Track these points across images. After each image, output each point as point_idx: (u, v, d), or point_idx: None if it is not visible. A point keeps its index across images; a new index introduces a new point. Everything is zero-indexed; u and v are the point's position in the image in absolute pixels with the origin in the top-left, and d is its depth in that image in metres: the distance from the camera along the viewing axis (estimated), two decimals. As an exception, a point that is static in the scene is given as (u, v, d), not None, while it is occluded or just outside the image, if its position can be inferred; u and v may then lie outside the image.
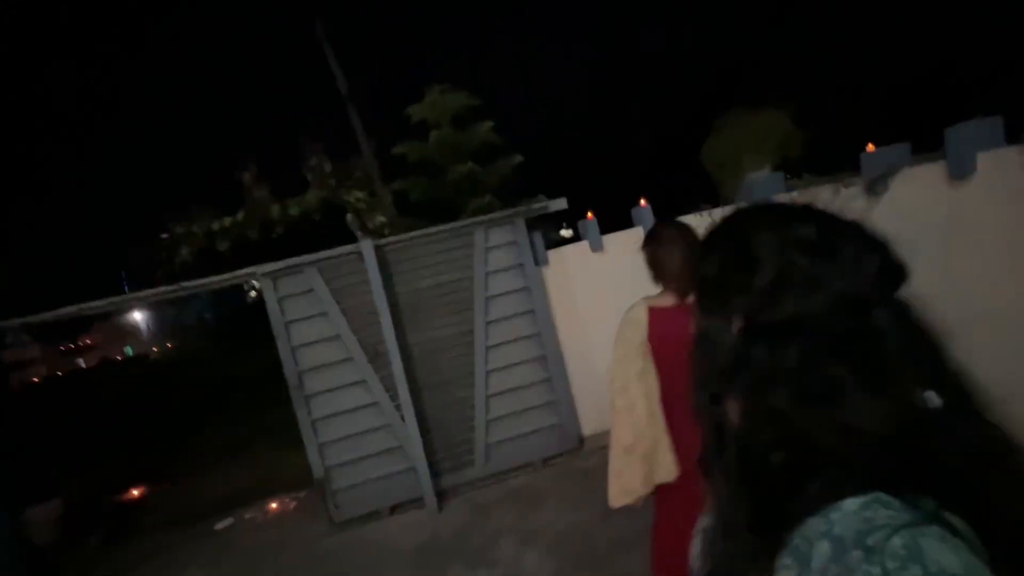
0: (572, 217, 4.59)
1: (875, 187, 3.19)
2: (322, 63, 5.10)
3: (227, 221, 4.08)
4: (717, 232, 0.60)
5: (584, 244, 4.27)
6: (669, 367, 1.70)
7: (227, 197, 4.43)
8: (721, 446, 0.55)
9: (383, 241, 3.71)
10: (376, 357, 3.69)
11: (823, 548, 0.41)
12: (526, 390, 3.94)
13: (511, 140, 4.49)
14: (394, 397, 3.66)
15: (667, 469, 1.73)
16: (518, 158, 4.23)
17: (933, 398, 0.45)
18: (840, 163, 3.82)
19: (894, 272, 0.50)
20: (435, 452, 3.79)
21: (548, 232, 4.11)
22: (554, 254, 4.18)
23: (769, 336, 0.50)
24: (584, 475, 3.67)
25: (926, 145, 3.00)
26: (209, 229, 4.07)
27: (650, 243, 1.77)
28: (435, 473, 3.75)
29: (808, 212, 0.55)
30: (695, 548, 0.67)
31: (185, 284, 3.40)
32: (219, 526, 4.24)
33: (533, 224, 4.01)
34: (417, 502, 3.69)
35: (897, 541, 0.37)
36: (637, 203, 4.41)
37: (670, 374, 1.71)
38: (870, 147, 3.23)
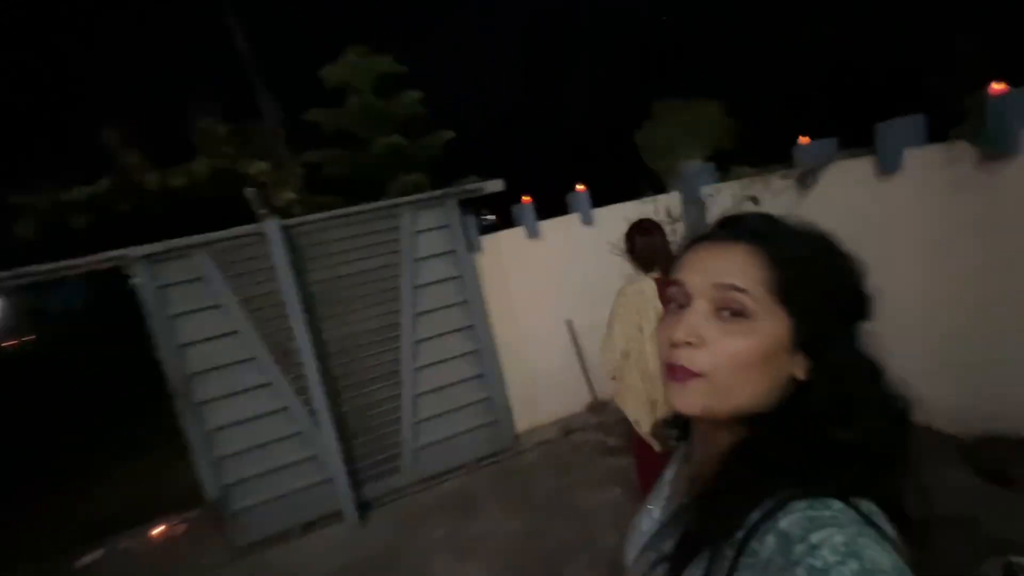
0: (504, 202, 4.31)
1: (806, 180, 3.26)
2: (216, 9, 4.33)
3: (83, 191, 3.27)
4: (827, 256, 0.55)
5: (519, 230, 4.02)
6: None
7: (88, 163, 3.60)
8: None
9: (292, 221, 3.19)
10: (285, 356, 3.19)
11: (769, 541, 0.44)
12: (458, 387, 3.65)
13: (440, 115, 4.10)
14: (307, 401, 3.20)
15: None
16: (449, 134, 3.86)
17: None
18: (771, 156, 3.89)
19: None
20: (356, 460, 3.38)
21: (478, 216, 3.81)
22: (488, 240, 3.88)
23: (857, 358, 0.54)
24: (521, 476, 3.46)
25: (855, 141, 3.09)
26: (58, 201, 3.22)
27: (643, 233, 2.14)
28: (357, 483, 3.35)
29: (826, 236, 0.56)
30: (631, 541, 0.70)
31: (23, 270, 2.66)
32: (85, 560, 3.52)
33: (465, 207, 3.68)
34: (335, 517, 3.27)
35: (839, 538, 0.41)
36: (572, 188, 4.24)
37: None
38: (803, 140, 3.29)
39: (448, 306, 3.60)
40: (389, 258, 3.44)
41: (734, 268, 0.53)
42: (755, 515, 0.47)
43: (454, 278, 3.62)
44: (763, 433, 0.53)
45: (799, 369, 0.53)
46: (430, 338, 3.54)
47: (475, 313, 3.66)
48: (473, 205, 3.73)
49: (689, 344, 0.53)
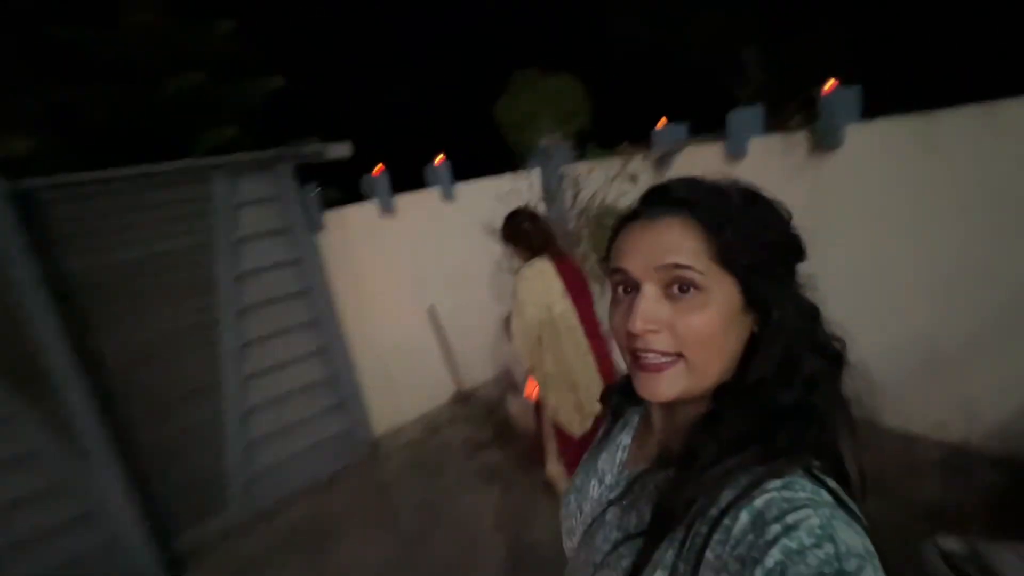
0: (351, 172, 3.68)
1: (663, 162, 3.36)
2: None
3: None
4: (756, 208, 0.55)
5: (371, 205, 3.46)
6: (584, 311, 2.05)
7: None
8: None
9: (32, 183, 2.17)
10: (30, 379, 2.21)
11: (743, 519, 0.44)
12: (302, 395, 3.01)
13: (271, 61, 3.23)
14: (73, 438, 2.27)
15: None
16: (276, 81, 3.07)
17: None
18: (623, 137, 3.98)
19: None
20: (161, 505, 2.56)
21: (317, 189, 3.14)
22: (333, 216, 3.25)
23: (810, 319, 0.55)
24: (386, 488, 3.02)
25: (704, 127, 3.26)
26: None
27: (525, 220, 2.10)
28: (163, 535, 2.54)
29: (749, 187, 0.57)
30: (571, 521, 0.68)
31: None
32: None
33: (304, 176, 2.98)
34: (131, 585, 2.43)
35: (814, 520, 0.41)
36: (430, 160, 3.80)
37: (585, 317, 2.05)
38: (661, 123, 3.38)
39: (284, 297, 2.91)
40: (197, 237, 2.61)
41: (672, 245, 0.52)
42: (728, 492, 0.47)
43: (291, 263, 2.93)
44: (727, 403, 0.53)
45: (755, 325, 0.54)
46: (262, 339, 2.82)
47: (319, 304, 3.03)
48: (313, 174, 3.06)
49: (649, 332, 0.52)
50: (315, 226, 3.10)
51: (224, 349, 2.69)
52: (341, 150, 3.02)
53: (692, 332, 0.51)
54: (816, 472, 0.47)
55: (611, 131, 4.32)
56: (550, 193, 3.81)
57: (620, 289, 0.56)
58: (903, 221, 2.47)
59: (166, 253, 2.53)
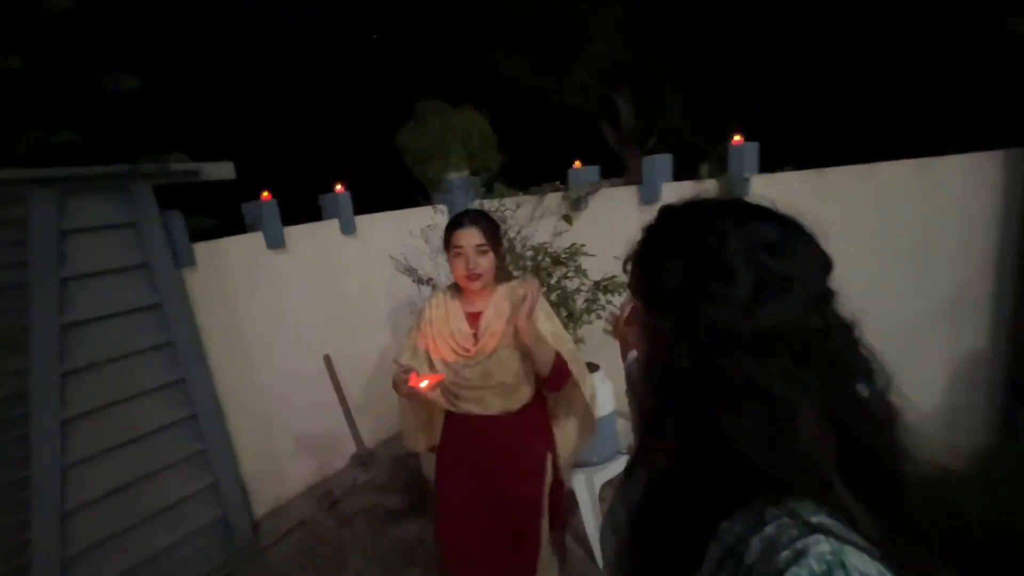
0: (230, 199, 3.09)
1: (578, 203, 3.36)
2: None
3: None
4: (670, 235, 0.56)
5: (255, 237, 2.91)
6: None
7: None
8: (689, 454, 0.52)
9: None
10: None
11: (755, 546, 0.43)
12: (156, 478, 2.30)
13: (119, 54, 2.55)
14: None
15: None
16: (130, 80, 2.44)
17: (863, 389, 0.49)
18: (524, 175, 3.97)
19: (830, 263, 0.53)
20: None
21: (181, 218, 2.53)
22: (204, 249, 2.65)
23: (751, 347, 0.48)
24: (272, 591, 2.41)
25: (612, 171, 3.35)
26: None
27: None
28: None
29: (759, 208, 0.54)
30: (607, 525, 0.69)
31: None
32: None
33: (164, 200, 2.38)
34: None
35: (824, 547, 0.40)
36: (329, 188, 3.37)
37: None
38: (577, 164, 3.39)
39: (135, 353, 2.24)
40: (1, 275, 1.88)
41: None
42: (737, 526, 0.47)
43: (146, 307, 2.28)
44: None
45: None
46: (97, 411, 2.11)
47: (188, 359, 2.40)
48: (176, 200, 2.46)
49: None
50: (183, 261, 2.49)
51: (36, 428, 1.94)
52: (223, 170, 2.49)
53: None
54: (824, 502, 0.45)
55: (514, 169, 4.30)
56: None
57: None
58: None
59: (-55, 298, 1.77)
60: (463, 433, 1.67)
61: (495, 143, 4.10)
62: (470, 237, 1.50)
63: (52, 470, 1.99)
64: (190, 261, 2.55)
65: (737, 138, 2.65)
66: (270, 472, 2.94)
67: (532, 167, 4.25)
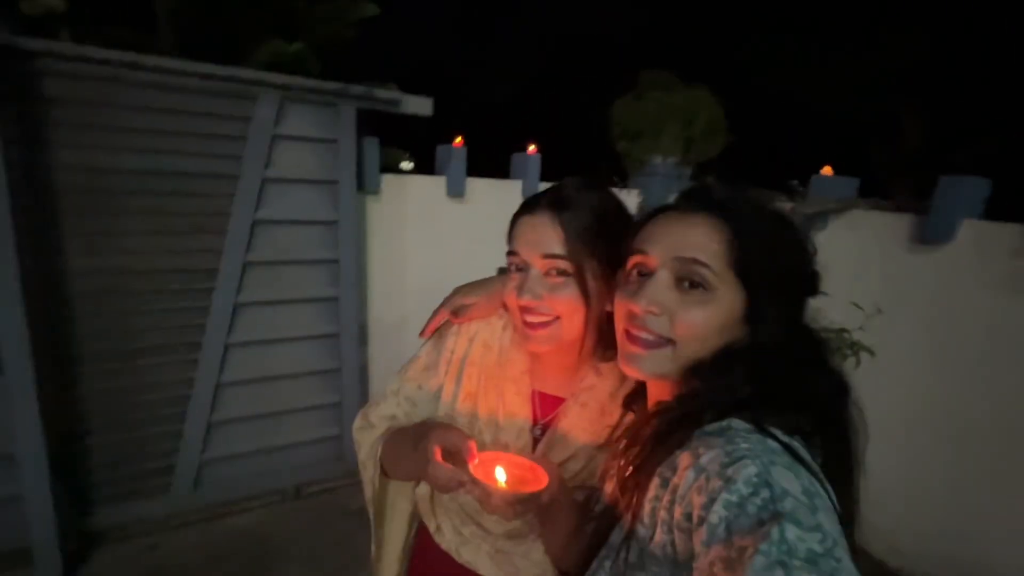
0: (425, 142, 3.13)
1: (815, 220, 2.55)
2: None
3: None
4: (786, 233, 0.57)
5: (439, 180, 2.88)
6: None
7: None
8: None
9: (29, 43, 1.72)
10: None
11: (689, 477, 0.45)
12: (293, 382, 2.47)
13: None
14: (2, 369, 1.81)
15: None
16: (372, 8, 2.56)
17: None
18: (751, 176, 3.21)
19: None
20: (89, 468, 2.08)
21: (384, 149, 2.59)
22: (391, 181, 2.70)
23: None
24: (360, 518, 2.41)
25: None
26: None
27: None
28: (85, 504, 2.07)
29: (784, 213, 0.58)
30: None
31: None
32: None
33: (367, 126, 2.44)
34: (22, 558, 1.95)
35: (751, 469, 0.41)
36: (522, 148, 3.18)
37: None
38: (826, 170, 2.57)
39: (305, 262, 2.37)
40: (220, 164, 2.11)
41: (696, 241, 0.54)
42: (681, 453, 0.48)
43: (326, 223, 2.39)
44: (699, 389, 0.54)
45: (746, 333, 0.55)
46: (262, 304, 2.30)
47: (346, 280, 2.47)
48: (378, 128, 2.51)
49: (651, 313, 0.55)
50: (368, 187, 2.55)
51: (215, 305, 2.18)
52: (422, 105, 2.46)
53: (689, 324, 0.54)
54: (766, 426, 0.47)
55: (739, 167, 3.54)
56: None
57: (635, 271, 0.59)
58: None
59: (178, 173, 2.04)
60: None
61: (723, 132, 3.42)
62: (537, 236, 0.70)
63: (219, 343, 2.22)
64: (376, 189, 2.61)
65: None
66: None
67: (761, 167, 3.46)
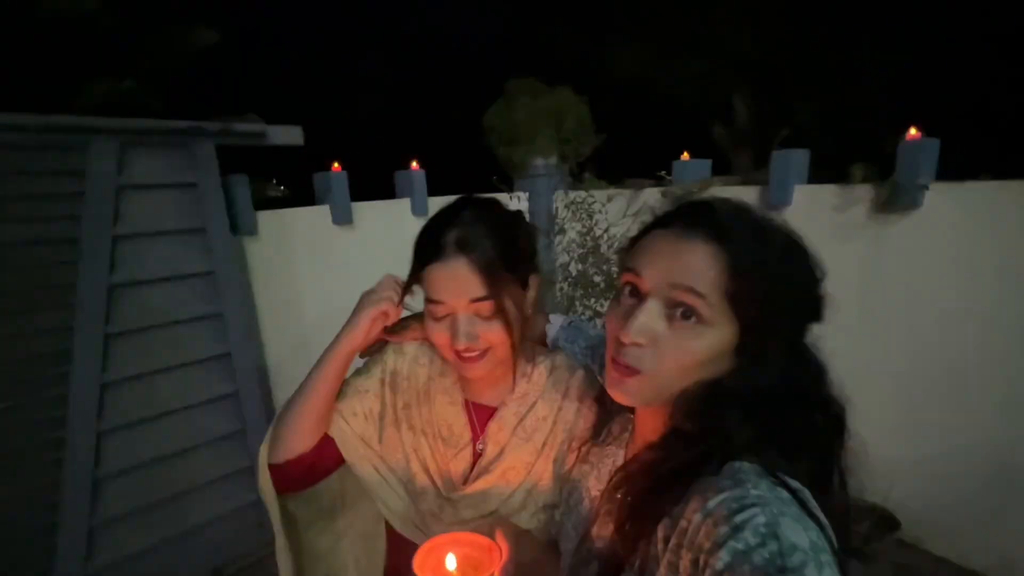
0: (297, 171, 2.97)
1: (682, 200, 2.84)
2: None
3: None
4: (791, 263, 0.53)
5: (321, 210, 2.74)
6: None
7: None
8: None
9: None
10: None
11: (696, 520, 0.45)
12: (191, 454, 2.19)
13: (197, 5, 2.48)
14: None
15: None
16: (209, 36, 2.34)
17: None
18: (618, 167, 3.53)
19: None
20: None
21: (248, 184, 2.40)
22: (268, 218, 2.51)
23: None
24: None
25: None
26: None
27: None
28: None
29: (791, 236, 0.56)
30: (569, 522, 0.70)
31: None
32: None
33: (229, 159, 2.24)
34: None
35: (760, 519, 0.41)
36: (403, 165, 3.14)
37: None
38: (685, 156, 2.87)
39: (182, 322, 2.12)
40: (57, 228, 1.81)
41: (693, 268, 0.51)
42: (688, 492, 0.48)
43: (200, 274, 2.15)
44: (695, 420, 0.53)
45: (736, 366, 0.53)
46: (137, 377, 2.01)
47: (236, 332, 2.25)
48: (241, 164, 2.32)
49: (636, 345, 0.53)
50: (244, 228, 2.35)
51: (75, 389, 1.87)
52: (291, 134, 2.32)
53: (673, 357, 0.52)
54: (778, 474, 0.46)
55: (608, 160, 3.83)
56: (547, 221, 3.21)
57: (627, 290, 0.57)
58: (975, 297, 2.02)
59: (8, 244, 1.71)
60: None
61: (592, 130, 3.65)
62: (458, 283, 0.70)
63: (87, 434, 1.91)
64: (252, 230, 2.41)
65: (913, 132, 2.00)
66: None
67: (629, 159, 3.77)
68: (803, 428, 0.50)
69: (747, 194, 2.61)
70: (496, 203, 0.78)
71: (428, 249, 0.72)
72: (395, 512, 0.85)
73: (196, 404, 2.18)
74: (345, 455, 0.85)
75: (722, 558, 0.40)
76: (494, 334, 0.72)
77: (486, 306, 0.70)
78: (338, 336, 0.81)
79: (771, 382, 0.51)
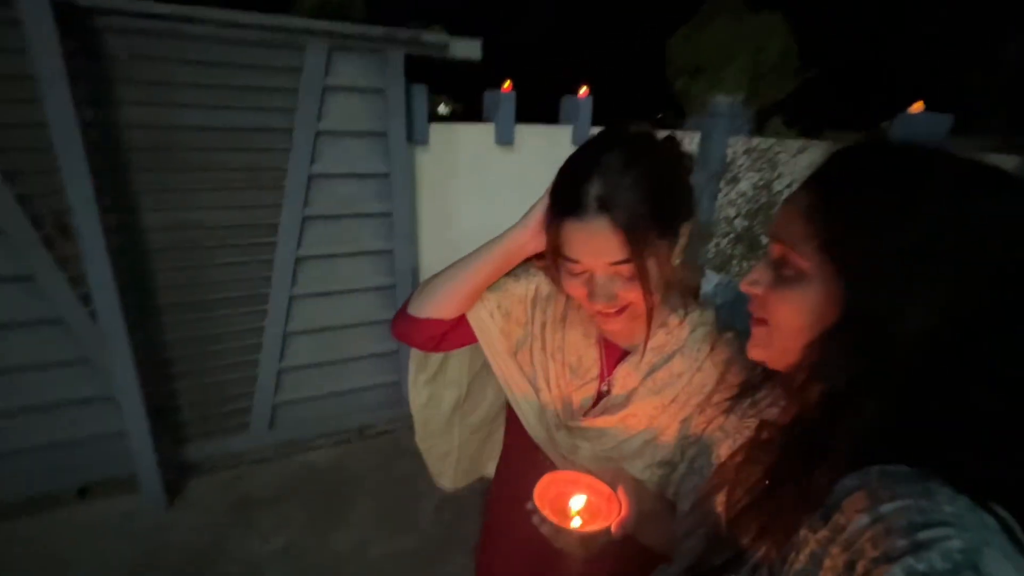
0: (470, 88, 3.03)
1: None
2: None
3: None
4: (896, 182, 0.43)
5: (486, 128, 2.80)
6: None
7: None
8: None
9: (89, 2, 1.74)
10: (61, 235, 1.90)
11: (862, 520, 0.38)
12: (353, 331, 2.57)
13: None
14: (95, 315, 1.98)
15: None
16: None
17: None
18: (818, 117, 2.95)
19: None
20: (180, 407, 2.29)
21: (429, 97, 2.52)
22: (439, 131, 2.64)
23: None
24: (412, 458, 2.57)
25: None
26: None
27: None
28: (176, 439, 2.30)
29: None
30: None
31: None
32: None
33: (414, 70, 2.37)
34: (127, 485, 2.21)
35: (955, 543, 0.33)
36: (573, 90, 3.02)
37: None
38: (917, 106, 2.31)
39: (358, 215, 2.41)
40: (275, 118, 2.13)
41: (788, 219, 0.49)
42: (849, 481, 0.41)
43: (377, 175, 2.39)
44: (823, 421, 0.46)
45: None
46: (321, 257, 2.37)
47: (400, 231, 2.50)
48: (422, 75, 2.43)
49: (750, 292, 0.53)
50: (417, 138, 2.52)
51: (277, 257, 2.27)
52: (470, 48, 2.35)
53: (775, 309, 0.50)
54: (987, 502, 0.36)
55: (805, 108, 3.25)
56: (711, 169, 2.90)
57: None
58: None
59: (236, 129, 2.07)
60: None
61: (796, 66, 3.10)
62: (597, 244, 0.64)
63: (284, 294, 2.33)
64: (424, 139, 2.57)
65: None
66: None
67: (836, 109, 3.17)
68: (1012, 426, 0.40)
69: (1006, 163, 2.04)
70: (651, 139, 0.67)
71: (566, 200, 0.64)
72: (525, 411, 0.85)
73: (360, 289, 2.51)
74: (483, 344, 0.85)
75: (893, 573, 0.34)
76: (632, 291, 0.67)
77: (627, 268, 0.64)
78: (508, 230, 0.77)
79: (918, 349, 0.41)
